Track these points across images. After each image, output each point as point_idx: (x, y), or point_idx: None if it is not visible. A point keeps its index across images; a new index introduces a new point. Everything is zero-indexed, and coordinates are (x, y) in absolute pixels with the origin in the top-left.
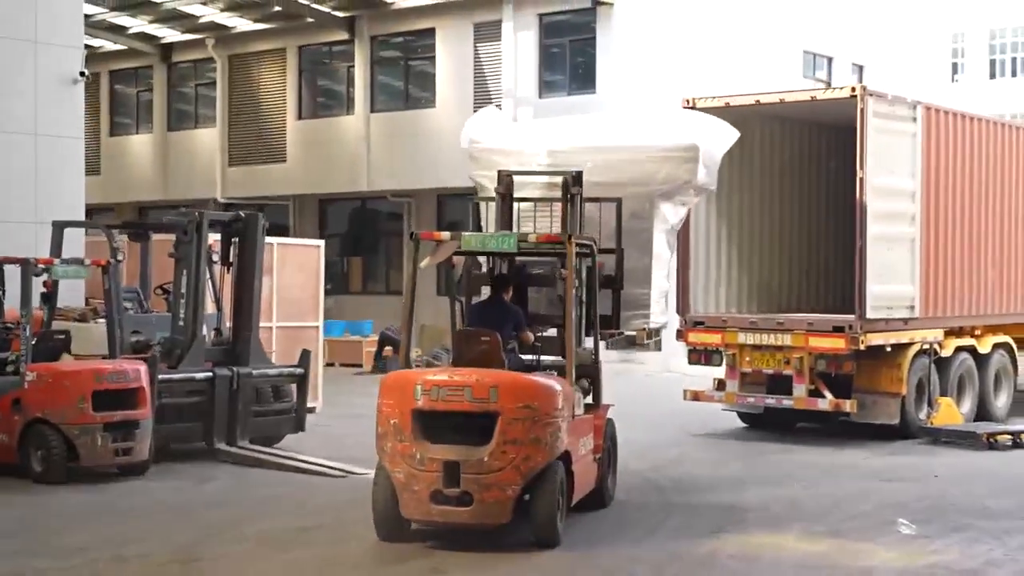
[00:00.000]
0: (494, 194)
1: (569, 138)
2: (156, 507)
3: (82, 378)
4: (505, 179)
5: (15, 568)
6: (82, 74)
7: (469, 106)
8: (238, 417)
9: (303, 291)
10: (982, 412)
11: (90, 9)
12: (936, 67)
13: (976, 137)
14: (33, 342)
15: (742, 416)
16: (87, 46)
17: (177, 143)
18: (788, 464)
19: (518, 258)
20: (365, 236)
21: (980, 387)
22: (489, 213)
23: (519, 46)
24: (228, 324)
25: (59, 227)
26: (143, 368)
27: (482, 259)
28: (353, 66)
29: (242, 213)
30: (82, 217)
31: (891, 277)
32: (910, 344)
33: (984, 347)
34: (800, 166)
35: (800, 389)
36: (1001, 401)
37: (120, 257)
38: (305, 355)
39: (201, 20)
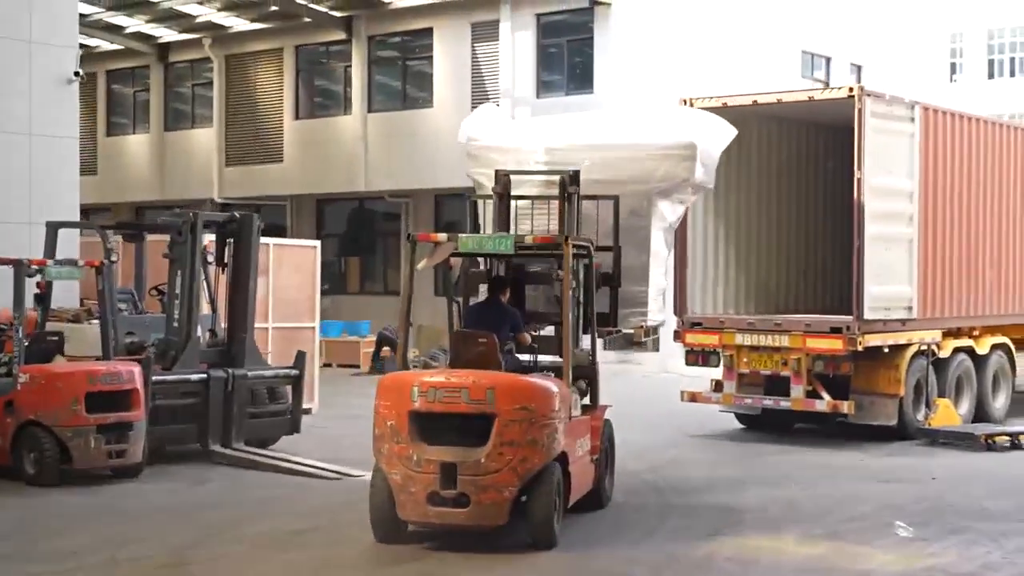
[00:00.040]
0: (492, 192)
1: (567, 136)
2: (150, 510)
3: (75, 380)
4: (503, 178)
5: (7, 572)
6: (77, 74)
7: (467, 106)
8: (233, 419)
9: (299, 292)
10: (980, 413)
11: (86, 9)
12: (934, 67)
13: (974, 137)
14: (26, 343)
15: (740, 417)
16: (83, 46)
17: (174, 143)
18: (786, 465)
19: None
20: (363, 236)
21: (978, 388)
22: (487, 211)
23: (517, 46)
24: (223, 325)
25: (53, 228)
26: (137, 370)
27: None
28: (350, 66)
29: (237, 214)
30: (77, 217)
31: (889, 278)
32: (908, 345)
33: (982, 348)
34: (798, 166)
35: (798, 390)
36: (999, 402)
37: (114, 258)
38: (300, 356)
39: (198, 20)
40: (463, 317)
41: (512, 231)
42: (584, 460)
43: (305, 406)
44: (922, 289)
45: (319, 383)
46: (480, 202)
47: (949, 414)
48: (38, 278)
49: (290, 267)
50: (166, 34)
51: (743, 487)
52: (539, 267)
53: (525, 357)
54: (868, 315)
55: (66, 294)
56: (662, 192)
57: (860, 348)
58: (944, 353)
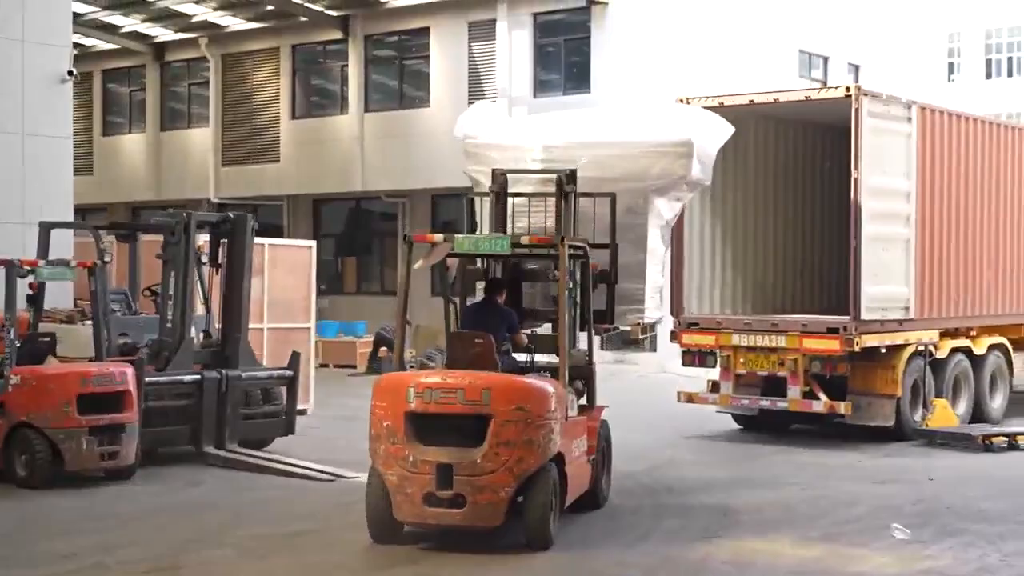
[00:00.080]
0: (489, 190)
1: (563, 133)
2: (142, 512)
3: (67, 381)
4: (500, 176)
5: None
6: (70, 73)
7: (464, 106)
8: (227, 420)
9: (295, 292)
10: (977, 414)
11: (82, 8)
12: (932, 67)
13: (972, 137)
14: (19, 344)
15: (736, 418)
16: (79, 45)
17: (170, 143)
18: (782, 466)
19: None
20: (359, 236)
21: (975, 389)
22: (484, 209)
23: (513, 45)
24: (217, 326)
25: (46, 228)
26: (130, 371)
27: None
28: (347, 65)
29: (231, 214)
30: (71, 218)
31: (886, 278)
32: (905, 345)
33: (979, 348)
34: (795, 166)
35: (794, 391)
36: (997, 403)
37: (107, 258)
38: (295, 357)
39: (194, 19)
40: (460, 317)
41: (509, 228)
42: (580, 461)
43: (300, 407)
44: (919, 289)
45: (315, 384)
46: (477, 199)
47: (946, 415)
48: (30, 279)
49: (285, 267)
50: (162, 33)
51: (739, 488)
52: (536, 264)
53: (522, 357)
54: (865, 315)
55: (61, 295)
56: (659, 189)
57: (857, 348)
58: (941, 353)
